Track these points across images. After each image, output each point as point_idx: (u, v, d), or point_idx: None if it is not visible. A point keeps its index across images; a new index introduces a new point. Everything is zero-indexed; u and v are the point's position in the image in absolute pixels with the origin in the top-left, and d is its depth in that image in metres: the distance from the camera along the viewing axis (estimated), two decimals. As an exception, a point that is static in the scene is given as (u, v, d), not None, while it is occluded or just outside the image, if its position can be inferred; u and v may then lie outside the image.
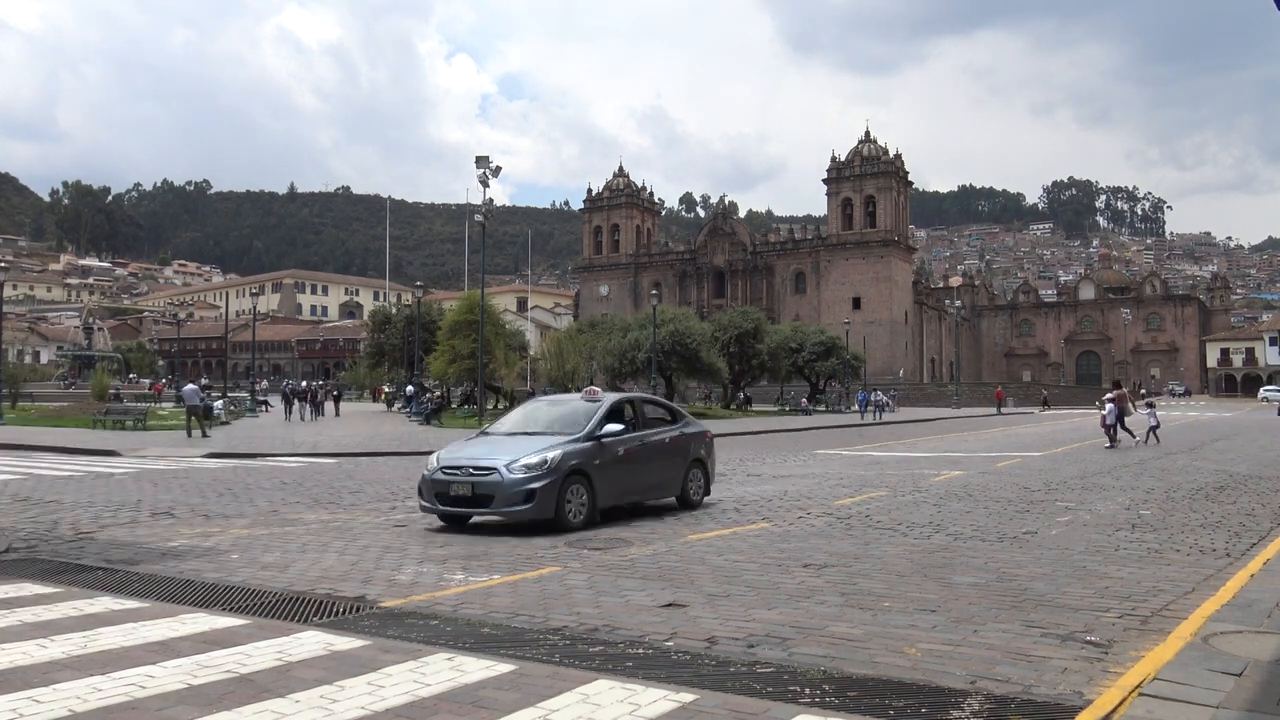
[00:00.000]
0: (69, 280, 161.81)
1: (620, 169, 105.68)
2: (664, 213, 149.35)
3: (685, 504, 12.33)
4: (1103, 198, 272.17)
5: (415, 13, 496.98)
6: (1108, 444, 24.28)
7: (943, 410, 61.36)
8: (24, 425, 32.06)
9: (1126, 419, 25.39)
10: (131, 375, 68.93)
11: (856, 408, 50.67)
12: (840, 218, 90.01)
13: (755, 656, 5.50)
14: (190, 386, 30.14)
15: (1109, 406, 24.89)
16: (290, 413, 40.19)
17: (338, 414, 44.76)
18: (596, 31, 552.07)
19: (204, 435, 26.85)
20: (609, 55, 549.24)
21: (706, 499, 12.84)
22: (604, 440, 11.02)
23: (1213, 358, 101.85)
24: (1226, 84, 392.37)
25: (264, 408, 47.76)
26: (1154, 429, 25.86)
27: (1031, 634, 5.99)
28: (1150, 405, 27.29)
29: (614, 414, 11.60)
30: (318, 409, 42.76)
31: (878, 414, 47.80)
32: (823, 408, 58.50)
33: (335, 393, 51.67)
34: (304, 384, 52.22)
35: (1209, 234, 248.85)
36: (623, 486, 11.38)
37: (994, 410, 59.65)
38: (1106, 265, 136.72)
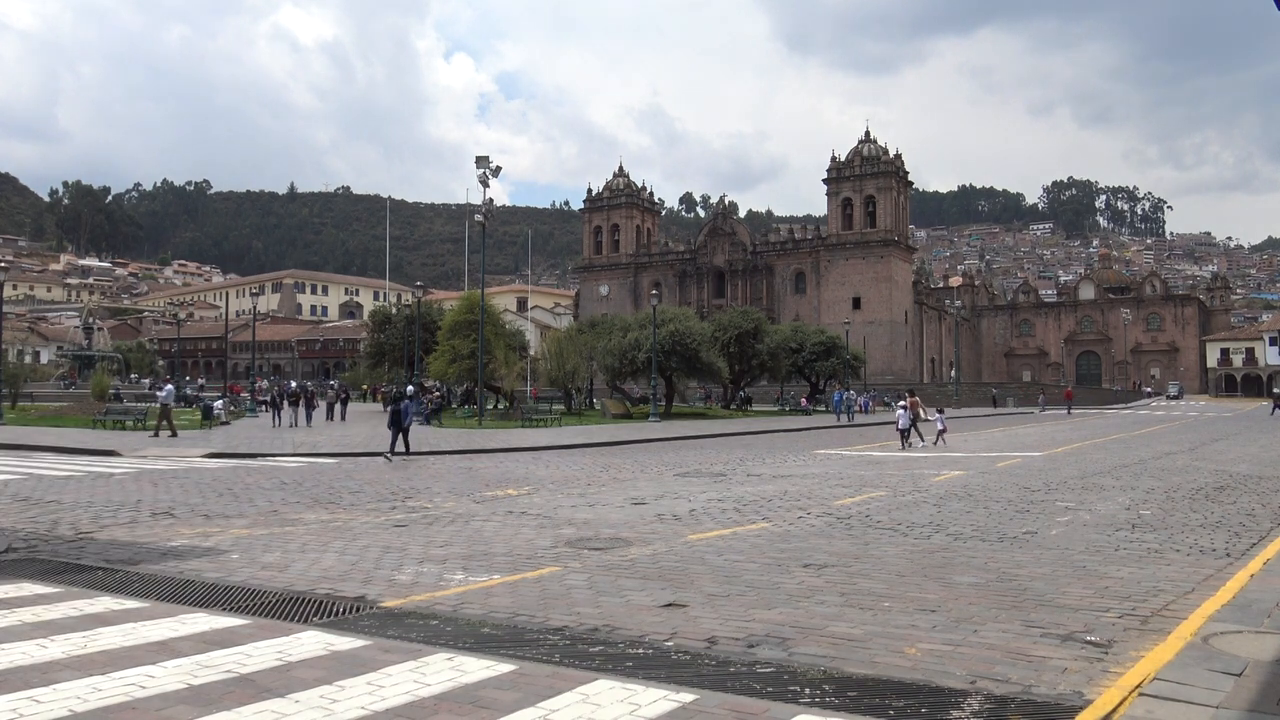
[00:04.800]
0: (69, 280, 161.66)
1: (620, 169, 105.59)
2: (664, 213, 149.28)
3: None
4: (1103, 198, 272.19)
5: (411, 11, 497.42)
6: (905, 447, 25.24)
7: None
8: (24, 425, 32.04)
9: (919, 424, 27.36)
10: (133, 375, 68.92)
11: (854, 409, 48.23)
12: (840, 218, 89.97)
13: (755, 656, 5.50)
14: (170, 387, 31.44)
15: (902, 412, 26.34)
16: (279, 418, 35.07)
17: (344, 418, 40.87)
18: (591, 29, 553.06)
19: (172, 434, 26.82)
20: (604, 53, 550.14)
21: None
22: None
23: (1213, 358, 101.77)
24: (1228, 83, 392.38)
25: (264, 408, 47.60)
26: (941, 433, 27.32)
27: (1031, 634, 5.99)
28: (940, 411, 29.27)
29: None
30: (328, 411, 39.46)
31: (849, 415, 46.22)
32: (822, 408, 58.41)
33: (343, 395, 46.56)
34: (294, 384, 49.10)
35: (1209, 234, 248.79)
36: None
37: (1001, 409, 59.90)
38: (1106, 265, 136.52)
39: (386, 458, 20.51)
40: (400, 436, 21.05)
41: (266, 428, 33.02)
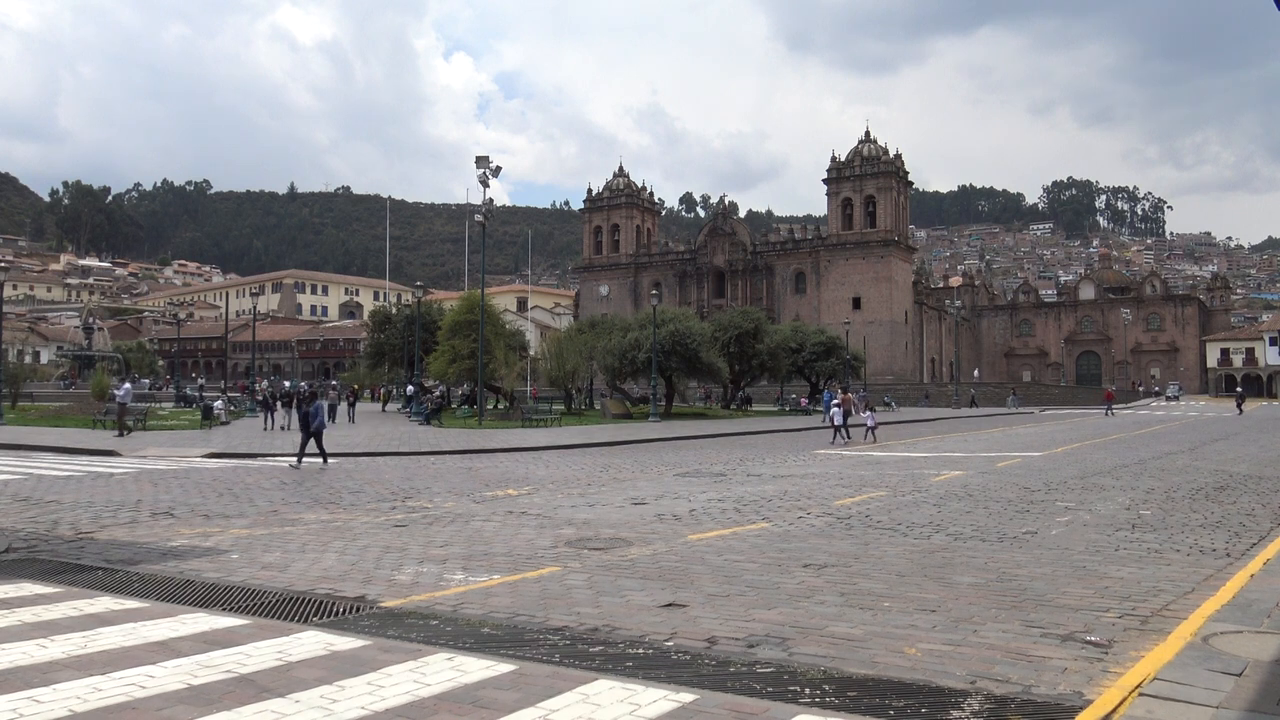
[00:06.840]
0: (69, 280, 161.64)
1: (620, 169, 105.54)
2: (664, 213, 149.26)
3: None
4: (1103, 198, 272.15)
5: (409, 10, 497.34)
6: (836, 442, 26.62)
7: (942, 410, 61.43)
8: (24, 425, 32.05)
9: (850, 420, 28.36)
10: (133, 375, 68.92)
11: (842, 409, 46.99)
12: (840, 218, 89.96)
13: (755, 656, 5.50)
14: (127, 385, 31.86)
15: (837, 409, 27.42)
16: (271, 420, 33.46)
17: (352, 419, 39.23)
18: (591, 29, 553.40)
19: (120, 434, 26.88)
20: (604, 53, 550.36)
21: None
22: None
23: (1213, 358, 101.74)
24: (1228, 83, 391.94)
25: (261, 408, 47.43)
26: (871, 429, 28.09)
27: (1031, 634, 5.99)
28: (871, 409, 30.25)
29: None
30: (330, 413, 35.73)
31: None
32: (822, 408, 58.42)
33: (350, 397, 44.47)
34: (286, 384, 47.12)
35: (1209, 234, 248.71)
36: None
37: (983, 410, 59.94)
38: (1106, 265, 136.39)
39: (294, 464, 18.55)
40: (313, 440, 18.76)
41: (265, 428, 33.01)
